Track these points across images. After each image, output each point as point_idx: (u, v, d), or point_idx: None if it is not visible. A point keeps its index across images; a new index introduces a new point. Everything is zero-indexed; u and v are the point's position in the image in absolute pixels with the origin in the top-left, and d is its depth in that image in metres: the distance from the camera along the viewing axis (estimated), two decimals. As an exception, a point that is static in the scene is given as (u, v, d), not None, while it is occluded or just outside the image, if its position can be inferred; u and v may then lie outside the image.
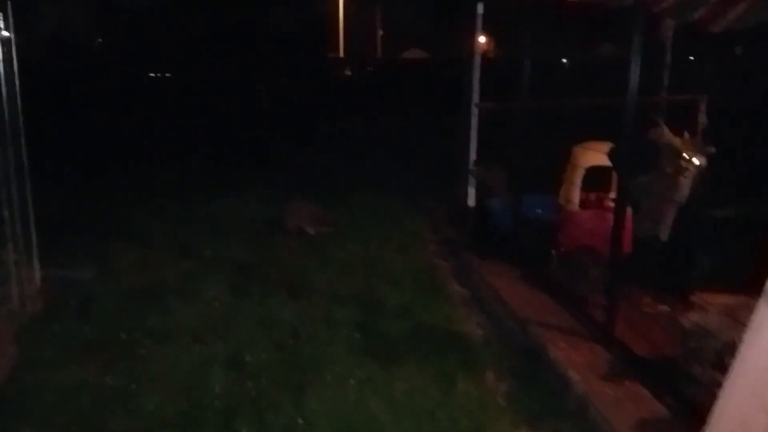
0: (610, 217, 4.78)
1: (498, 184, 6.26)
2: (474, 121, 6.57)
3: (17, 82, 4.33)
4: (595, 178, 5.07)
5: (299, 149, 11.57)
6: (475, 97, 6.54)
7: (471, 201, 6.63)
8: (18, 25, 4.27)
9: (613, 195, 5.23)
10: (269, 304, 4.67)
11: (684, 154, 3.90)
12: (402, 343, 4.07)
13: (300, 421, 3.22)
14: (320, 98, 19.50)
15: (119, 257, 5.67)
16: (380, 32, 49.11)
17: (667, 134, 4.03)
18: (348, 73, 34.68)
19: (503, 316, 4.30)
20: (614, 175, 5.13)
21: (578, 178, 4.86)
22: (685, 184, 3.94)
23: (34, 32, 21.23)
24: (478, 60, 6.46)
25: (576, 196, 4.87)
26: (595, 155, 4.74)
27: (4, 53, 4.23)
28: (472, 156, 6.62)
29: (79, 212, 7.14)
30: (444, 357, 3.89)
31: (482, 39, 6.69)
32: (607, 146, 4.71)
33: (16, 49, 4.25)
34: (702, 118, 6.14)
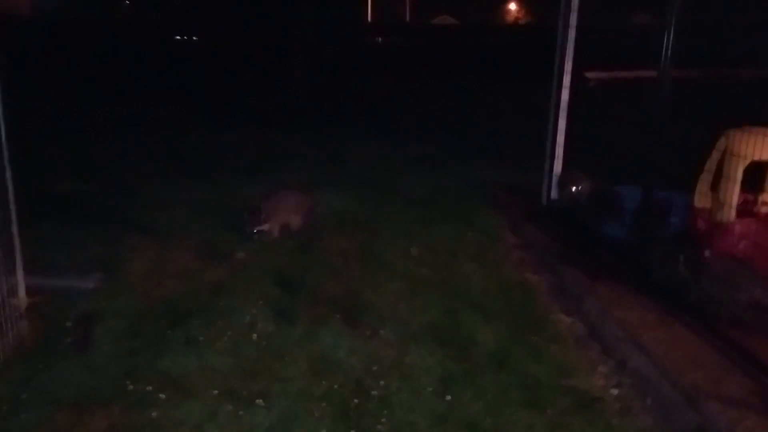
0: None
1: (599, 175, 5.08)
2: (566, 95, 5.32)
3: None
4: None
5: (338, 123, 10.38)
6: (569, 66, 5.28)
7: (556, 193, 5.45)
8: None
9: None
10: (322, 337, 3.55)
11: None
12: (510, 411, 2.94)
13: None
14: (356, 66, 18.11)
15: (132, 258, 4.58)
16: (409, -3, 47.20)
17: None
18: (378, 39, 33.00)
19: (648, 372, 3.13)
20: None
21: (738, 174, 3.63)
22: None
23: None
24: (575, 19, 5.16)
25: (735, 198, 3.64)
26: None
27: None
28: (561, 137, 5.40)
29: (83, 194, 6.06)
30: (575, 437, 2.76)
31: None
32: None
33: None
34: None
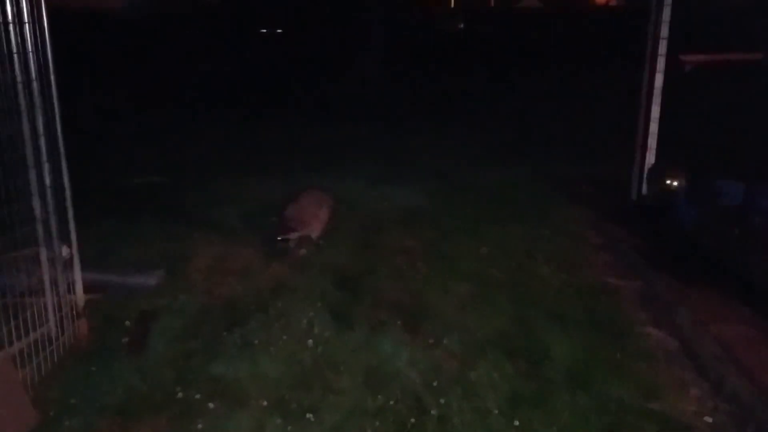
0: None
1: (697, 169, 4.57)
2: (659, 81, 4.82)
3: (45, 26, 3.14)
4: None
5: (411, 114, 10.10)
6: (663, 48, 4.77)
7: (647, 188, 4.97)
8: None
9: None
10: (380, 345, 3.31)
11: None
12: (588, 439, 2.60)
13: None
14: (434, 55, 17.71)
15: (196, 254, 4.49)
16: (493, -19, 45.85)
17: None
18: (461, 26, 32.25)
19: (748, 397, 2.70)
20: None
21: None
22: None
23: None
24: (670, -5, 4.64)
25: None
26: None
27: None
28: (655, 126, 4.89)
29: (155, 188, 6.08)
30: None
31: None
32: None
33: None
34: None
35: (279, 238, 4.42)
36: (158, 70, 12.37)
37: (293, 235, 4.45)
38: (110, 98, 10.18)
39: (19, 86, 3.01)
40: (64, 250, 3.43)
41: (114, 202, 5.52)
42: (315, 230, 4.59)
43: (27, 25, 2.97)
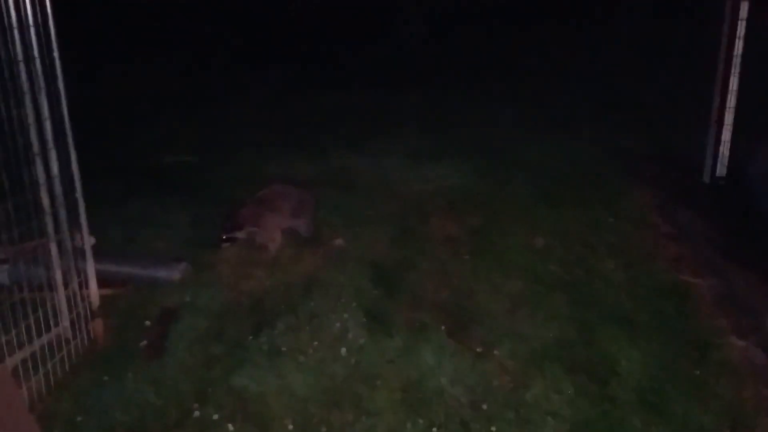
0: None
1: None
2: (739, 48, 4.23)
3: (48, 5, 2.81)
4: None
5: (456, 80, 9.52)
6: (745, 11, 4.17)
7: (724, 169, 4.42)
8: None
9: None
10: (421, 354, 2.94)
11: None
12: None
13: None
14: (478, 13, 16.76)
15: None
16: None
17: None
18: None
19: None
20: None
21: None
22: None
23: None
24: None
25: None
26: None
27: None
28: (733, 99, 4.32)
29: (184, 167, 5.77)
30: None
31: None
32: None
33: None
34: None
35: (224, 237, 4.00)
36: (189, 38, 11.97)
37: (235, 235, 4.02)
38: (139, 73, 9.92)
39: (21, 65, 2.72)
40: (80, 240, 3.16)
41: (142, 182, 5.25)
42: (267, 234, 4.08)
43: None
